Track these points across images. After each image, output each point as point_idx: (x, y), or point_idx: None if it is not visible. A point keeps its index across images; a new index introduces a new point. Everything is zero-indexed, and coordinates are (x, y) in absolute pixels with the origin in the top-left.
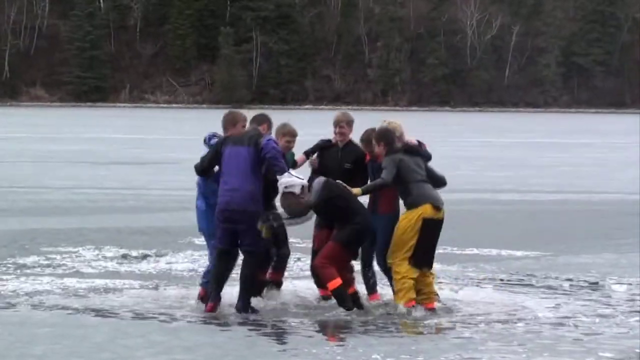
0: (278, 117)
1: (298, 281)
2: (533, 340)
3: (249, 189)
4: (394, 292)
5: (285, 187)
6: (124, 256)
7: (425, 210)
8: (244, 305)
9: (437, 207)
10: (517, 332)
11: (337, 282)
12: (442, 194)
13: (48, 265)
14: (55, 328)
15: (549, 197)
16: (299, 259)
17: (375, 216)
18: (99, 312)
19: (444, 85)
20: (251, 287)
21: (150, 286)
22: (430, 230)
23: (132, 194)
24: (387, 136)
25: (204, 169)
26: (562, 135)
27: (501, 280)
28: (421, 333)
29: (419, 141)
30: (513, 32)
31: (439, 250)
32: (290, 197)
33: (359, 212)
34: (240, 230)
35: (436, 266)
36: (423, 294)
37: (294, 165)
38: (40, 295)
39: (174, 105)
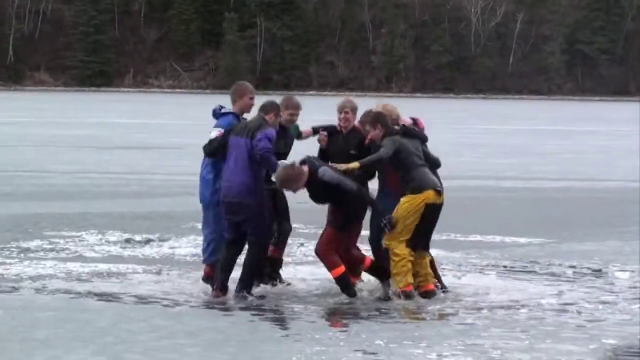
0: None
1: (301, 266)
2: (536, 327)
3: (243, 181)
4: (391, 275)
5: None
6: (127, 241)
7: (429, 195)
8: (240, 288)
9: (439, 191)
10: (520, 319)
11: (340, 269)
12: (445, 181)
13: (51, 250)
14: (59, 312)
15: (552, 185)
16: (302, 244)
17: (384, 193)
18: (102, 297)
19: (448, 72)
20: (252, 274)
21: (154, 271)
22: (431, 215)
23: (135, 178)
24: (382, 118)
25: (212, 152)
26: (566, 123)
27: (504, 267)
28: (424, 319)
29: (414, 119)
30: (517, 20)
31: (442, 237)
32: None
33: (349, 192)
34: (241, 221)
35: (439, 252)
36: (420, 276)
37: (299, 136)
38: (43, 280)
39: (177, 90)
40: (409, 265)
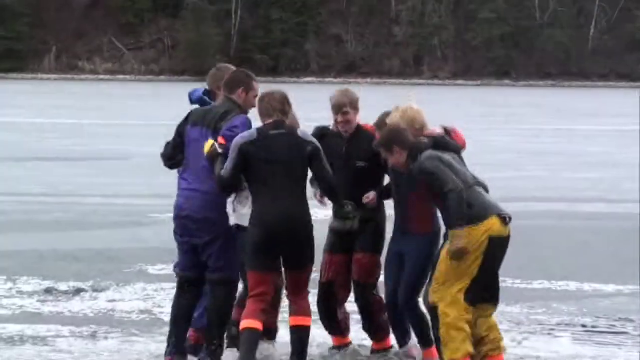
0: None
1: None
2: None
3: (208, 189)
4: (439, 344)
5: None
6: (48, 291)
7: (493, 225)
8: (207, 350)
9: (505, 219)
10: None
11: (246, 323)
12: (500, 203)
13: None
14: None
15: None
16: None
17: (406, 236)
18: None
19: (503, 49)
20: (221, 331)
21: (86, 334)
22: (497, 252)
23: (58, 202)
24: (398, 137)
25: (168, 157)
26: None
27: (583, 326)
28: None
29: (447, 130)
30: None
31: None
32: None
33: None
34: (200, 245)
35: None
36: (488, 343)
37: None
38: None
39: (119, 76)
40: (467, 329)
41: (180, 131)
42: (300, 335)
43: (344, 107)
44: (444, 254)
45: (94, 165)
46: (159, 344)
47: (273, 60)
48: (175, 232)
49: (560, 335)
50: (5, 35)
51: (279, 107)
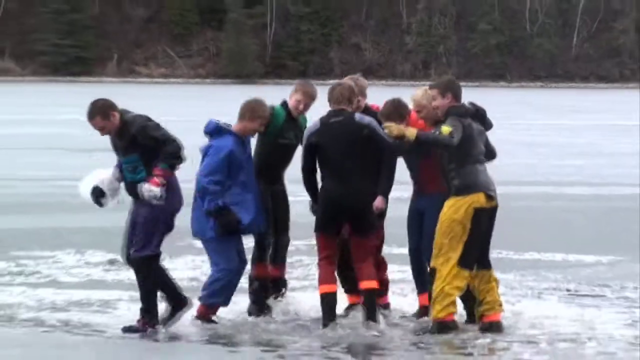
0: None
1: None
2: None
3: None
4: (432, 303)
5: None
6: (111, 262)
7: (478, 198)
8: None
9: (490, 195)
10: (586, 354)
11: (324, 288)
12: (497, 187)
13: (19, 273)
14: (28, 348)
15: (626, 191)
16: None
17: (423, 197)
18: (81, 330)
19: (498, 56)
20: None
21: None
22: (485, 222)
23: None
24: (456, 87)
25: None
26: None
27: (567, 290)
28: (471, 355)
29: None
30: None
31: (492, 255)
32: None
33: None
34: None
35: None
36: (485, 304)
37: None
38: (10, 309)
39: (171, 79)
40: (455, 292)
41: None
42: (370, 297)
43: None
44: (439, 222)
45: None
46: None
47: (302, 65)
48: None
49: (547, 298)
50: (75, 44)
51: (347, 95)
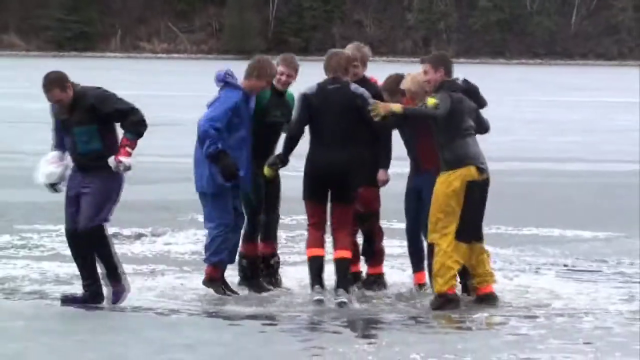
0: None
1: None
2: (602, 338)
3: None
4: (433, 276)
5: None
6: (114, 236)
7: (468, 172)
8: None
9: (481, 168)
10: (583, 328)
11: (311, 251)
12: (496, 163)
13: (23, 246)
14: (32, 321)
15: (624, 168)
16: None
17: (420, 174)
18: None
19: (498, 33)
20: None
21: (145, 271)
22: (478, 195)
23: None
24: (448, 62)
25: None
26: None
27: (565, 266)
28: (469, 329)
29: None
30: None
31: (490, 230)
32: None
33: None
34: None
35: (488, 248)
36: (478, 277)
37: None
38: (13, 282)
39: (174, 55)
40: (456, 266)
41: None
42: (342, 266)
43: (355, 60)
44: (434, 197)
45: (152, 129)
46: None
47: (304, 41)
48: None
49: (545, 273)
50: (79, 20)
51: (344, 64)
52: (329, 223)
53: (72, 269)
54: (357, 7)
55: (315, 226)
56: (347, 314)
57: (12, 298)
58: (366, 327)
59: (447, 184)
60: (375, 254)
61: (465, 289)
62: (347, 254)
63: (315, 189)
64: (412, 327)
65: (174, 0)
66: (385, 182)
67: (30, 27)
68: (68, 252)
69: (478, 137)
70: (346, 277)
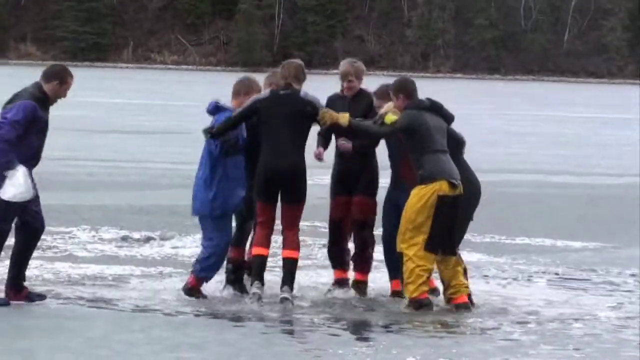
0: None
1: (323, 271)
2: (591, 344)
3: None
4: (404, 284)
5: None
6: (124, 238)
7: (440, 186)
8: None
9: (453, 184)
10: (573, 334)
11: (256, 250)
12: (490, 174)
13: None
14: (44, 320)
15: (612, 181)
16: (324, 245)
17: (401, 188)
18: (95, 303)
19: (494, 49)
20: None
21: (154, 273)
22: (448, 209)
23: (134, 167)
24: (407, 86)
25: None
26: (629, 110)
27: (556, 274)
28: (463, 334)
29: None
30: None
31: (484, 239)
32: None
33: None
34: None
35: (481, 257)
36: (451, 287)
37: None
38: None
39: (183, 66)
40: (425, 274)
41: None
42: (290, 266)
43: (349, 75)
44: (405, 209)
45: (163, 137)
46: (211, 282)
47: (308, 55)
48: None
49: (537, 281)
50: (92, 32)
51: (294, 73)
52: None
53: (84, 270)
54: (358, 23)
55: (262, 225)
56: (345, 318)
57: None
58: (364, 330)
59: (419, 198)
60: (365, 261)
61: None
62: (294, 254)
63: (265, 190)
64: (409, 330)
65: (184, 14)
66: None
67: (46, 37)
68: (81, 253)
69: (470, 149)
70: (292, 275)
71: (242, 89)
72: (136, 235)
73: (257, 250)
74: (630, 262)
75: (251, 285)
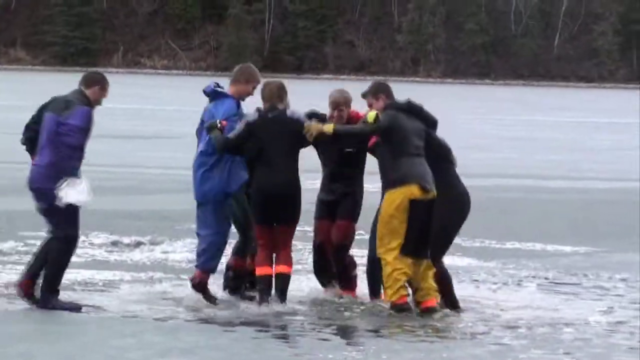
0: (292, 88)
1: (313, 275)
2: (582, 349)
3: (45, 162)
4: (383, 289)
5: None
6: (114, 243)
7: (411, 190)
8: (44, 298)
9: (425, 188)
10: (563, 339)
11: (260, 269)
12: (481, 179)
13: (28, 253)
14: (36, 325)
15: (604, 185)
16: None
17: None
18: (86, 308)
19: (484, 54)
20: (57, 275)
21: (144, 278)
22: (420, 213)
23: (124, 172)
24: (386, 87)
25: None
26: (620, 114)
27: (546, 279)
28: (453, 338)
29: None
30: None
31: (475, 244)
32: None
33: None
34: (42, 211)
35: (471, 261)
36: (420, 291)
37: None
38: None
39: (173, 71)
40: (403, 277)
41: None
42: (282, 280)
43: (340, 105)
44: (380, 214)
45: (153, 142)
46: (210, 286)
47: (298, 60)
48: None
49: (527, 286)
50: (82, 37)
51: (277, 93)
52: None
53: (74, 275)
54: (349, 28)
55: (263, 246)
56: (335, 323)
57: (16, 303)
58: (354, 335)
59: (391, 202)
60: (349, 281)
61: (446, 301)
62: (287, 269)
63: (262, 213)
64: (398, 335)
65: (174, 18)
66: (311, 129)
67: (36, 42)
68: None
69: (461, 153)
70: (285, 289)
71: (242, 77)
72: (126, 240)
73: (262, 271)
74: (621, 266)
75: (260, 303)
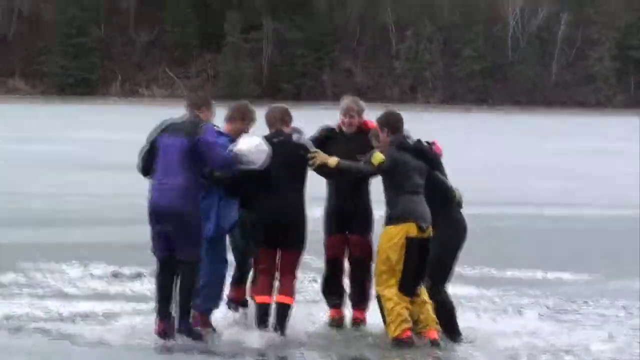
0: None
1: (314, 305)
2: None
3: (178, 183)
4: (385, 324)
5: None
6: (115, 275)
7: (408, 228)
8: (186, 327)
9: (421, 227)
10: None
11: (259, 298)
12: (478, 207)
13: (27, 285)
14: (35, 357)
15: (602, 213)
16: (314, 279)
17: None
18: (86, 340)
19: (482, 80)
20: (189, 301)
21: (145, 309)
22: (416, 251)
23: (124, 203)
24: (391, 121)
25: (142, 167)
26: (618, 140)
27: (547, 306)
28: None
29: (428, 142)
30: (561, 22)
31: (474, 272)
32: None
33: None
34: (170, 233)
35: (471, 290)
36: (419, 323)
37: None
38: (18, 320)
39: (172, 99)
40: (404, 313)
41: (153, 141)
42: (283, 311)
43: (352, 111)
44: (377, 250)
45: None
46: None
47: (296, 88)
48: (150, 221)
49: (528, 314)
50: (81, 66)
51: (280, 116)
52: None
53: (75, 307)
54: (346, 55)
55: (264, 272)
56: (333, 353)
57: (16, 335)
58: None
59: (389, 237)
60: (363, 298)
61: (446, 330)
62: (289, 300)
63: (266, 237)
64: None
65: (171, 47)
66: (316, 159)
67: (34, 73)
68: (71, 290)
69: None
70: (285, 320)
71: (237, 114)
72: (126, 271)
73: (261, 299)
74: (621, 293)
75: (258, 327)
